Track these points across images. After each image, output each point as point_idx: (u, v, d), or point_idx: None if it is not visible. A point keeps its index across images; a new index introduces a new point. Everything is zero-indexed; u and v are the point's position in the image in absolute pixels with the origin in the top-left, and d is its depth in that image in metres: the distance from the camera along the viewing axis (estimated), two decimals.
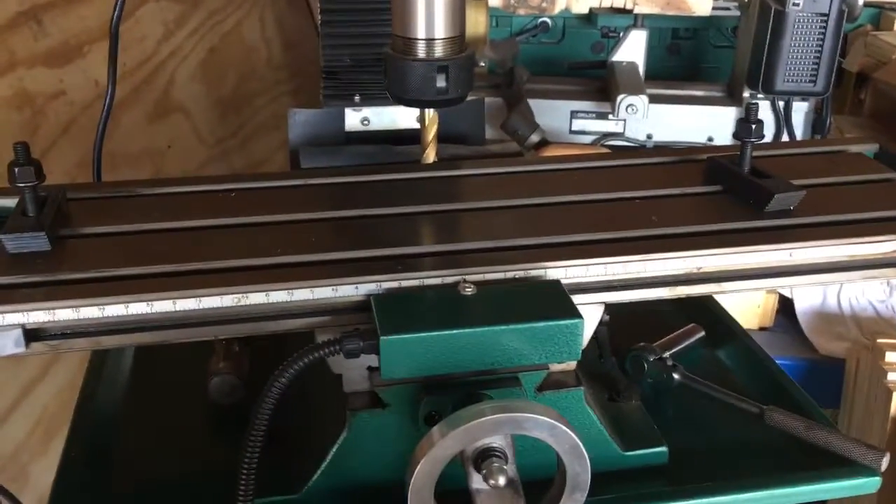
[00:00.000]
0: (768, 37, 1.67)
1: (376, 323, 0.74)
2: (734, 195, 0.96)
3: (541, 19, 2.19)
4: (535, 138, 1.80)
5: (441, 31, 0.88)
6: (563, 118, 1.91)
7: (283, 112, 2.87)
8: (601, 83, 1.94)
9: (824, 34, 1.63)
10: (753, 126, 0.93)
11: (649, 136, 1.88)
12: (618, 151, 1.76)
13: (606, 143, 1.88)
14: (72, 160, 1.77)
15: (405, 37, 0.88)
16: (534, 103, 1.88)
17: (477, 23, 2.22)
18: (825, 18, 1.62)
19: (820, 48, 1.64)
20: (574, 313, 0.75)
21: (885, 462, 0.84)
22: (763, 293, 1.58)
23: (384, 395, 0.81)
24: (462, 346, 0.73)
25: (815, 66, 1.66)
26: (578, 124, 1.90)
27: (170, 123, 2.26)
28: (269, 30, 2.73)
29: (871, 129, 2.07)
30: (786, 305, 1.61)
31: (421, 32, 0.88)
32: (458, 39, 0.89)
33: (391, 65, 0.90)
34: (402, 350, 0.73)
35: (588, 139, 1.89)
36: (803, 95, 1.71)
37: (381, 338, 0.72)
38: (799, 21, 1.62)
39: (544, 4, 1.81)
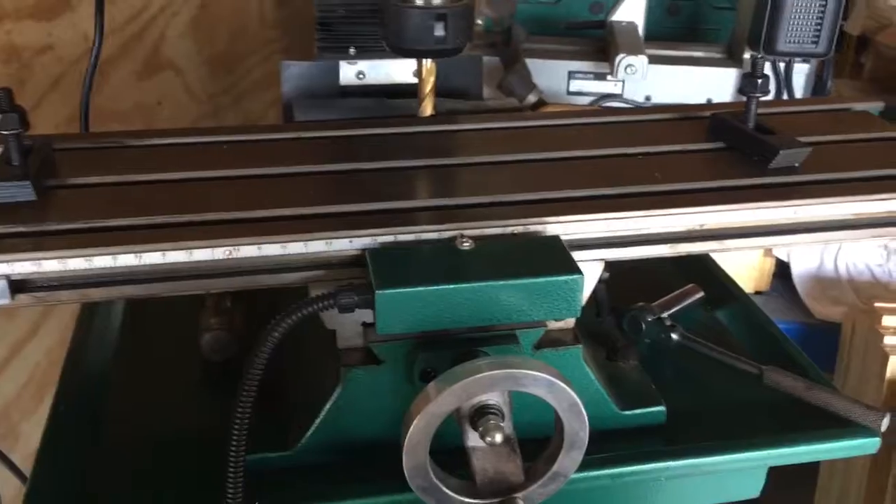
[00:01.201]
0: None
1: (371, 277, 0.72)
2: (738, 152, 0.95)
3: None
4: (531, 98, 1.78)
5: None
6: (560, 78, 1.88)
7: (275, 70, 2.83)
8: (599, 44, 1.91)
9: None
10: (759, 81, 0.91)
11: (648, 98, 1.86)
12: (619, 109, 1.73)
13: (604, 104, 1.85)
14: (60, 116, 1.73)
15: None
16: (531, 63, 1.85)
17: None
18: None
19: (822, 9, 1.61)
20: (574, 269, 0.74)
21: (885, 423, 0.84)
22: (760, 256, 1.57)
23: (379, 351, 0.79)
24: (459, 301, 0.72)
25: (818, 28, 1.62)
26: (576, 85, 1.88)
27: (160, 80, 2.23)
28: None
29: (872, 92, 2.05)
30: (782, 269, 1.60)
31: None
32: None
33: (388, 12, 0.87)
34: (397, 305, 0.71)
35: (586, 100, 1.87)
36: (805, 57, 1.68)
37: (377, 292, 0.70)
38: None
39: None
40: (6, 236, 0.74)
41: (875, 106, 1.11)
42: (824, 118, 1.09)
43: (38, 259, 0.71)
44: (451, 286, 0.71)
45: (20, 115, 0.78)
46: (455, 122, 1.02)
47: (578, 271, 0.74)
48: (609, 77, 1.81)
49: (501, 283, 0.72)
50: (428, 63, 0.93)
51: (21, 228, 0.75)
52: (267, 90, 2.62)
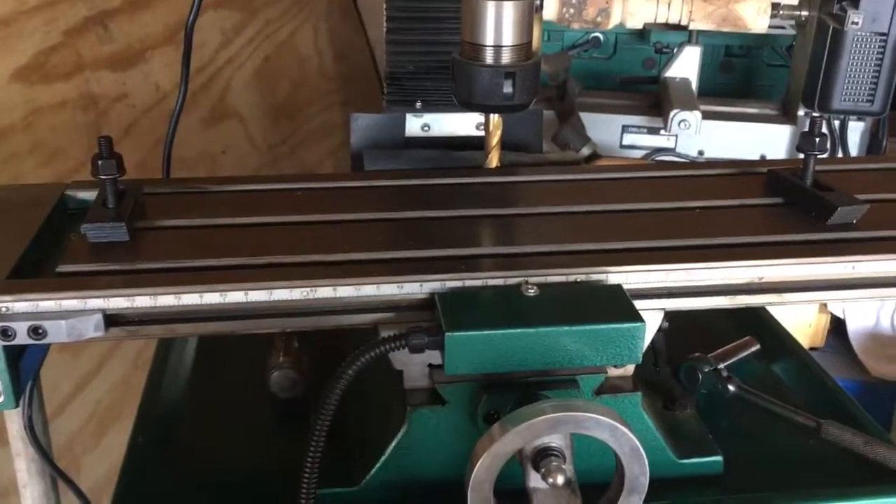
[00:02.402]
0: (826, 55, 1.66)
1: (441, 319, 0.75)
2: (796, 207, 0.97)
3: (593, 34, 2.20)
4: (585, 151, 1.81)
5: (509, 38, 0.89)
6: (614, 132, 1.91)
7: (333, 121, 2.93)
8: (653, 98, 1.95)
9: (883, 53, 1.62)
10: (817, 139, 0.93)
11: (701, 152, 1.88)
12: (677, 162, 1.76)
13: (657, 158, 1.88)
14: (132, 161, 1.81)
15: (474, 43, 0.90)
16: (585, 117, 1.89)
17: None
18: (884, 38, 1.61)
19: (878, 68, 1.63)
20: (636, 317, 0.76)
21: None
22: (815, 312, 1.56)
23: (444, 392, 0.82)
24: (524, 345, 0.74)
25: (873, 86, 1.64)
26: (629, 139, 1.91)
27: (225, 129, 2.31)
28: (322, 40, 2.78)
29: None
30: (837, 326, 1.60)
31: (489, 39, 0.89)
32: (526, 46, 0.91)
33: (459, 70, 0.92)
34: (465, 347, 0.74)
35: (639, 154, 1.90)
36: (860, 115, 1.70)
37: (447, 334, 0.73)
38: (857, 40, 1.61)
39: (599, 19, 1.82)
40: (102, 273, 0.79)
41: None
42: (881, 177, 1.10)
43: (132, 295, 0.76)
44: (518, 330, 0.74)
45: (117, 161, 0.84)
46: (517, 173, 1.06)
47: (641, 319, 0.76)
48: (662, 131, 1.84)
49: (566, 328, 0.75)
50: (495, 118, 0.98)
51: (116, 266, 0.80)
52: (323, 140, 2.70)
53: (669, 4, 1.79)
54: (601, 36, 2.21)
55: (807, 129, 0.96)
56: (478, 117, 1.14)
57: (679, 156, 1.87)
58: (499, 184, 1.02)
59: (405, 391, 0.84)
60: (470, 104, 0.93)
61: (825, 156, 1.01)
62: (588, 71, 2.21)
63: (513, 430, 0.72)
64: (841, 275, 0.87)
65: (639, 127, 1.90)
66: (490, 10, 0.88)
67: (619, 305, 0.78)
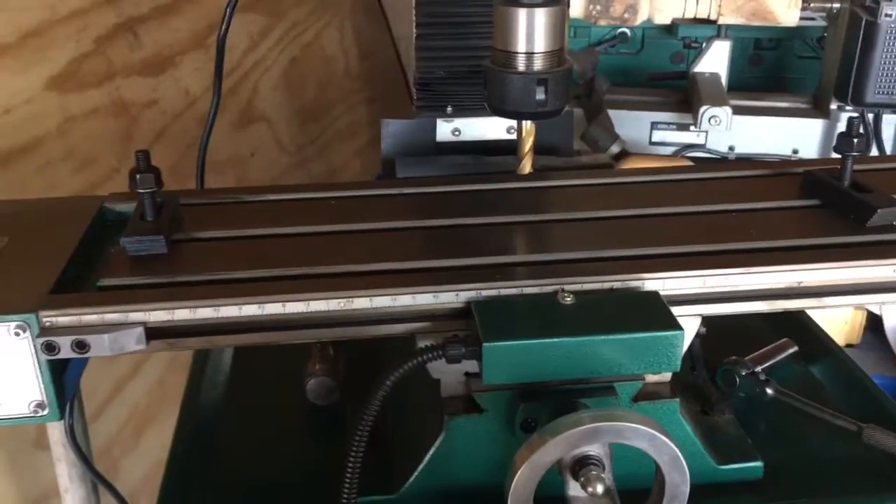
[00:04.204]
0: (858, 48, 1.64)
1: (479, 329, 0.75)
2: (834, 209, 0.95)
3: (620, 30, 2.18)
4: (614, 149, 1.80)
5: (541, 45, 0.89)
6: (643, 129, 1.90)
7: (358, 120, 2.93)
8: (682, 94, 1.93)
9: None
10: (855, 140, 0.92)
11: (731, 148, 1.86)
12: (709, 164, 1.74)
13: (687, 154, 1.86)
14: (163, 167, 1.83)
15: (506, 50, 0.90)
16: (613, 114, 1.87)
17: None
18: None
19: None
20: (674, 325, 0.76)
21: None
22: (851, 310, 1.55)
23: (481, 401, 0.82)
24: (562, 354, 0.74)
25: None
26: (659, 135, 1.90)
27: (253, 132, 2.33)
28: (347, 40, 2.79)
29: None
30: (874, 323, 1.57)
31: (521, 46, 0.89)
32: (558, 53, 0.91)
33: (491, 77, 0.92)
34: (503, 356, 0.74)
35: (668, 150, 1.88)
36: (894, 108, 1.67)
37: (484, 344, 0.74)
38: (891, 32, 1.59)
39: (626, 15, 1.80)
40: (143, 287, 0.80)
41: None
42: None
43: (172, 308, 0.77)
44: (555, 340, 0.74)
45: (155, 174, 0.85)
46: (551, 178, 1.06)
47: (679, 327, 0.76)
48: (692, 128, 1.82)
49: (603, 337, 0.74)
50: (528, 124, 0.97)
51: (155, 280, 0.81)
52: (350, 140, 2.71)
53: None
54: (628, 31, 2.19)
55: (843, 129, 0.94)
56: (509, 121, 1.13)
57: (709, 152, 1.85)
58: (532, 189, 1.02)
59: (442, 399, 0.84)
60: (502, 111, 0.93)
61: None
62: (615, 67, 2.20)
63: (552, 440, 0.72)
64: (882, 278, 0.86)
65: (668, 123, 1.88)
66: (522, 17, 0.88)
67: (657, 313, 0.78)
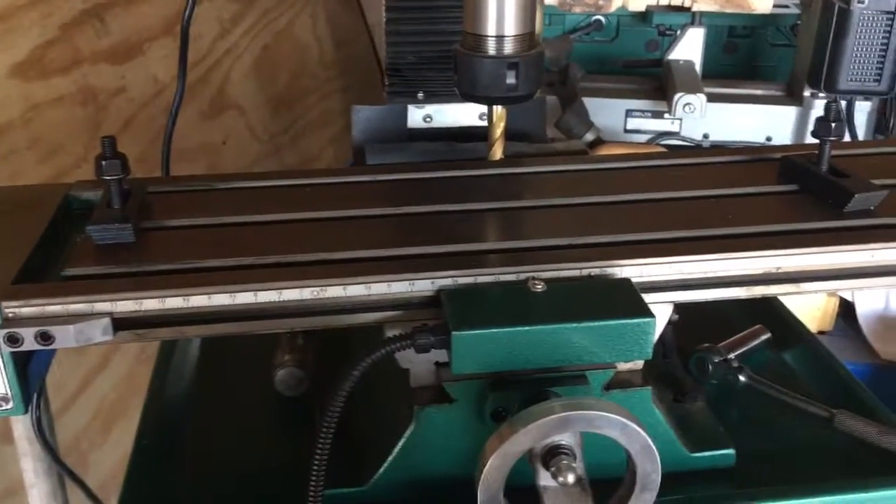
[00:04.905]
0: (831, 35, 1.64)
1: (447, 318, 0.74)
2: (811, 194, 0.95)
3: (595, 17, 2.17)
4: (589, 137, 1.79)
5: (511, 28, 0.88)
6: (617, 117, 1.89)
7: (333, 108, 2.91)
8: (656, 82, 1.92)
9: (889, 32, 1.60)
10: (833, 124, 0.92)
11: (706, 136, 1.86)
12: (686, 150, 1.74)
13: (662, 142, 1.86)
14: (131, 155, 1.81)
15: (475, 34, 0.88)
16: (588, 102, 1.87)
17: None
18: (891, 16, 1.59)
19: (885, 47, 1.61)
20: (645, 312, 0.75)
21: None
22: (824, 296, 1.55)
23: (451, 391, 0.81)
24: (532, 342, 0.73)
25: (880, 66, 1.62)
26: (633, 123, 1.89)
27: (225, 120, 2.30)
28: (321, 28, 2.76)
29: None
30: (846, 309, 1.58)
31: (491, 29, 0.88)
32: (528, 36, 0.89)
33: (461, 61, 0.90)
34: (472, 346, 0.73)
35: (643, 138, 1.88)
36: (866, 95, 1.68)
37: (453, 333, 0.72)
38: (864, 19, 1.59)
39: (601, 2, 1.80)
40: (109, 276, 0.78)
41: None
42: (891, 160, 1.08)
43: (139, 298, 0.75)
44: (524, 328, 0.73)
45: (122, 161, 0.83)
46: (524, 164, 1.04)
47: (650, 314, 0.75)
48: (666, 115, 1.82)
49: (574, 325, 0.73)
50: (499, 109, 0.96)
51: (122, 269, 0.79)
52: (324, 129, 2.68)
53: None
54: (603, 19, 2.18)
55: (816, 115, 0.94)
56: (481, 107, 1.12)
57: (684, 140, 1.85)
58: (504, 176, 1.00)
59: (412, 390, 0.83)
60: (473, 96, 0.91)
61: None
62: (590, 54, 2.19)
63: (522, 430, 0.71)
64: (859, 263, 0.86)
65: (643, 111, 1.88)
66: (494, 0, 0.86)
67: (628, 300, 0.77)
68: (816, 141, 0.95)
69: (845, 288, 0.88)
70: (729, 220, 0.89)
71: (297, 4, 2.64)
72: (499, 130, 0.97)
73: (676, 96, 1.72)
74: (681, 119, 1.83)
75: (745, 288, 0.86)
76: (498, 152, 0.99)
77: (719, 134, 1.85)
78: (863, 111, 1.76)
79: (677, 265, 0.83)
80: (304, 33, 2.69)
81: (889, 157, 1.09)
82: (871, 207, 0.92)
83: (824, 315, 1.57)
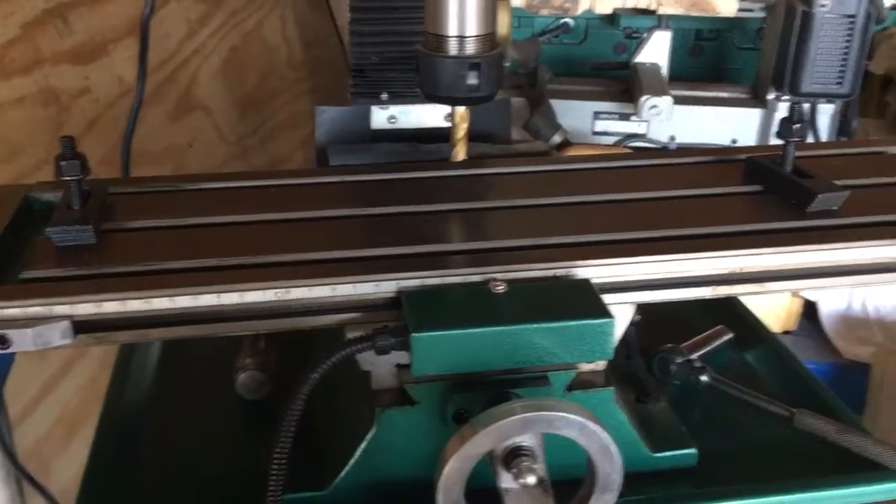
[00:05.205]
0: (795, 38, 1.66)
1: (407, 320, 0.74)
2: (775, 195, 0.96)
3: (563, 20, 2.18)
4: (557, 139, 1.80)
5: (473, 28, 0.88)
6: (585, 119, 1.90)
7: (302, 110, 2.89)
8: (624, 84, 1.93)
9: (851, 36, 1.62)
10: (796, 126, 0.93)
11: (672, 138, 1.87)
12: (652, 151, 1.75)
13: (629, 143, 1.87)
14: (95, 157, 1.79)
15: (437, 34, 0.88)
16: (556, 104, 1.87)
17: (499, 23, 2.21)
18: (852, 20, 1.61)
19: (847, 50, 1.63)
20: (605, 313, 0.75)
21: None
22: (788, 297, 1.57)
23: (413, 392, 0.81)
24: (493, 344, 0.73)
25: (842, 68, 1.64)
26: (601, 125, 1.90)
27: (192, 121, 2.28)
28: (290, 29, 2.75)
29: None
30: (810, 309, 1.60)
31: (453, 30, 0.88)
32: (490, 37, 0.89)
33: (423, 62, 0.90)
34: (432, 347, 0.72)
35: (610, 140, 1.88)
36: (829, 97, 1.70)
37: (413, 335, 0.72)
38: (826, 22, 1.61)
39: (567, 5, 1.80)
40: (69, 279, 0.77)
41: None
42: (859, 161, 1.09)
43: (100, 301, 0.73)
44: (485, 329, 0.73)
45: (82, 161, 0.81)
46: (487, 166, 1.04)
47: (609, 315, 0.75)
48: (633, 117, 1.83)
49: (534, 326, 0.73)
50: (461, 110, 0.96)
51: (82, 271, 0.78)
52: (293, 131, 2.67)
53: None
54: (571, 22, 2.19)
55: (781, 118, 0.95)
56: (446, 108, 1.12)
57: (651, 142, 1.86)
58: (467, 177, 1.00)
59: (373, 392, 0.82)
60: (435, 96, 0.91)
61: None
62: (559, 57, 2.20)
63: (482, 431, 0.71)
64: (822, 263, 0.86)
65: (610, 113, 1.89)
66: (454, 0, 0.86)
67: (588, 301, 0.77)
68: (781, 142, 0.96)
69: (808, 287, 0.89)
70: (692, 221, 0.89)
71: (265, 5, 2.63)
72: (461, 131, 0.97)
73: (642, 99, 1.74)
74: (648, 121, 1.84)
75: (709, 288, 0.86)
76: (461, 153, 0.99)
77: (686, 136, 1.87)
78: (826, 113, 1.78)
79: (639, 265, 0.83)
80: (272, 34, 2.67)
81: (852, 159, 1.10)
82: (834, 208, 0.93)
83: (789, 315, 1.59)
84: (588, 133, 1.90)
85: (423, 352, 0.72)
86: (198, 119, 2.28)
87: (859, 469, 0.87)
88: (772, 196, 0.97)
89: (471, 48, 0.88)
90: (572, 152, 1.77)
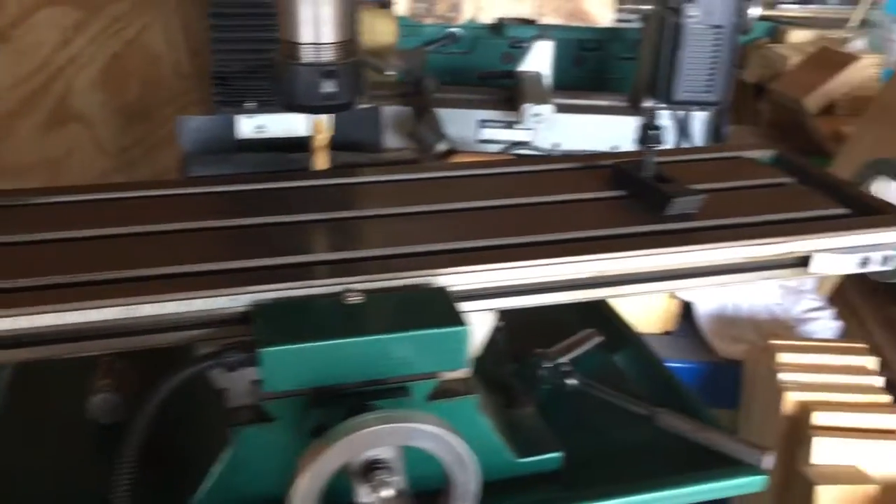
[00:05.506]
0: (667, 48, 1.71)
1: (255, 334, 0.71)
2: (637, 200, 0.98)
3: (450, 30, 2.19)
4: (442, 147, 1.80)
5: (329, 35, 0.86)
6: (471, 127, 1.91)
7: None
8: (509, 93, 1.95)
9: (720, 45, 1.68)
10: (653, 132, 0.96)
11: (556, 145, 1.90)
12: (524, 158, 1.77)
13: (514, 151, 1.89)
14: None
15: (292, 41, 0.86)
16: (443, 112, 1.88)
17: (384, 32, 2.21)
18: (720, 30, 1.68)
19: (716, 59, 1.69)
20: (458, 321, 0.75)
21: (768, 460, 0.86)
22: (666, 298, 1.61)
23: (270, 409, 0.78)
24: (345, 356, 0.72)
25: (712, 77, 1.70)
26: (486, 133, 1.91)
27: (68, 133, 2.19)
28: (176, 37, 2.67)
29: (770, 137, 2.15)
30: (689, 309, 1.65)
31: (308, 37, 0.86)
32: (348, 44, 0.88)
33: (278, 70, 0.88)
34: (282, 362, 0.71)
35: (496, 148, 1.90)
36: (701, 105, 1.76)
37: (260, 350, 0.70)
38: (695, 33, 1.67)
39: (451, 14, 1.81)
40: None
41: (764, 154, 1.16)
42: (719, 166, 1.13)
43: None
44: (334, 342, 0.71)
45: None
46: (355, 175, 1.03)
47: (463, 323, 0.75)
48: (517, 126, 1.85)
49: (385, 337, 0.72)
50: (321, 118, 0.94)
51: None
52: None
53: None
54: (459, 31, 2.21)
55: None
56: (317, 116, 1.10)
57: (535, 149, 1.89)
58: (331, 187, 0.99)
59: (229, 409, 0.80)
60: (292, 106, 0.89)
61: (669, 146, 1.04)
62: (447, 66, 2.21)
63: (331, 446, 0.69)
64: (679, 265, 0.89)
65: (495, 121, 1.90)
66: (307, 4, 0.84)
67: (442, 309, 0.76)
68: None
69: (665, 290, 0.91)
70: (556, 227, 0.90)
71: (148, 12, 2.54)
72: (321, 140, 0.95)
73: (525, 107, 1.76)
74: (531, 129, 1.86)
75: (570, 293, 0.88)
76: (322, 162, 0.97)
77: (569, 143, 1.90)
78: (700, 120, 1.84)
79: (499, 272, 0.83)
80: (156, 42, 2.59)
81: (713, 163, 1.14)
82: (692, 211, 0.95)
83: (668, 316, 1.63)
84: (474, 141, 1.91)
85: (272, 367, 0.71)
86: (74, 131, 2.20)
87: (716, 465, 0.89)
88: (634, 201, 0.99)
89: (327, 55, 0.87)
90: (456, 160, 1.78)
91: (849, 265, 0.93)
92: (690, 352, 1.60)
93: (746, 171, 1.11)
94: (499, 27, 2.15)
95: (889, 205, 0.97)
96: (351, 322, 0.73)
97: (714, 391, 1.58)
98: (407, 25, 2.19)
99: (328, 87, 0.86)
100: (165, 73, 2.58)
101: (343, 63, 0.87)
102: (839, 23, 2.28)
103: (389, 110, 1.86)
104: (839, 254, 0.92)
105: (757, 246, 0.90)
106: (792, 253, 0.92)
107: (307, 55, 0.86)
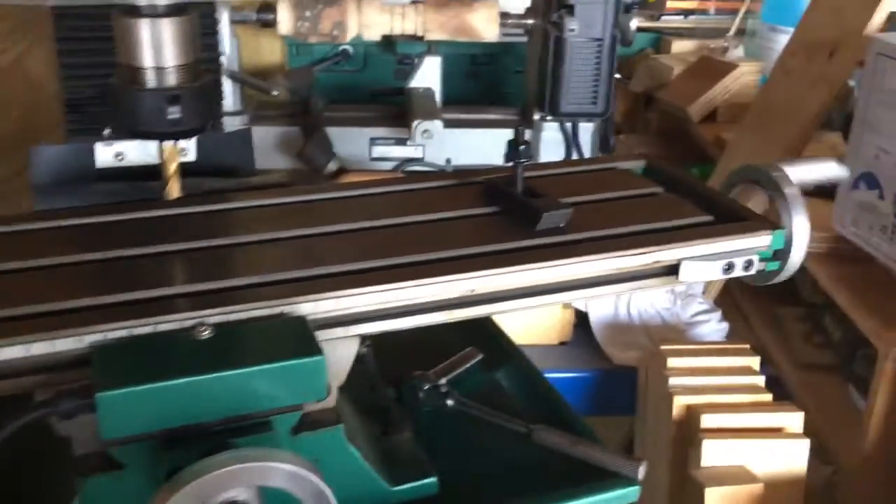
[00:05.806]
0: (550, 62, 1.73)
1: (91, 378, 0.67)
2: (508, 216, 0.97)
3: (341, 48, 2.17)
4: (332, 167, 1.78)
5: (171, 58, 0.83)
6: (363, 145, 1.89)
7: None
8: (400, 110, 1.95)
9: (600, 58, 1.71)
10: (522, 147, 0.96)
11: (449, 161, 1.90)
12: (396, 177, 1.76)
13: (407, 168, 1.88)
14: None
15: (131, 65, 0.83)
16: (334, 131, 1.86)
17: (272, 51, 2.18)
18: (600, 43, 1.70)
19: (597, 71, 1.72)
20: (313, 350, 0.72)
21: (641, 471, 0.86)
22: (559, 309, 1.61)
23: (119, 455, 0.74)
24: (189, 395, 0.68)
25: (595, 89, 1.73)
26: (378, 151, 1.90)
27: None
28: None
29: (658, 145, 2.20)
30: (584, 319, 1.66)
31: (148, 61, 0.82)
32: (192, 66, 0.85)
33: (119, 95, 0.84)
34: (120, 407, 0.67)
35: (388, 165, 1.89)
36: (586, 117, 1.78)
37: (97, 395, 0.66)
38: (576, 46, 1.69)
39: (336, 32, 1.79)
40: None
41: (637, 164, 1.17)
42: (594, 178, 1.14)
43: None
44: (178, 381, 0.68)
45: None
46: (221, 201, 0.99)
47: (319, 352, 0.72)
48: (409, 142, 1.84)
49: (232, 372, 0.69)
50: (169, 144, 0.91)
51: None
52: None
53: (404, 15, 1.79)
54: (351, 49, 2.19)
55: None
56: (181, 142, 1.06)
57: (428, 165, 1.88)
58: (192, 215, 0.95)
59: (75, 458, 0.75)
60: (136, 132, 0.85)
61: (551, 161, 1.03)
62: (340, 84, 2.19)
63: (183, 489, 0.66)
64: (550, 279, 0.88)
65: (386, 139, 1.89)
66: (145, 26, 0.81)
67: (298, 339, 0.74)
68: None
69: (541, 304, 0.90)
70: (425, 247, 0.89)
71: (28, 36, 2.44)
72: (172, 167, 0.91)
73: (415, 123, 1.75)
74: (423, 145, 1.86)
75: (441, 313, 0.86)
76: (174, 191, 0.93)
77: (462, 158, 1.90)
78: (587, 132, 1.87)
79: (361, 297, 0.81)
80: (37, 68, 2.48)
81: (585, 176, 1.15)
82: (560, 224, 0.95)
83: (562, 326, 1.64)
84: (366, 159, 1.89)
85: (109, 412, 0.67)
86: None
87: (593, 479, 0.89)
88: (506, 217, 0.99)
89: (171, 79, 0.83)
90: (347, 179, 1.76)
91: (714, 272, 0.94)
92: (586, 361, 1.61)
93: (619, 182, 1.12)
94: (389, 44, 2.14)
95: (750, 211, 0.99)
96: (196, 359, 0.70)
97: (612, 399, 1.59)
98: (300, 45, 2.16)
99: (173, 112, 0.83)
100: (47, 100, 2.48)
101: (187, 86, 0.84)
102: (720, 32, 2.36)
103: (277, 131, 1.83)
104: (704, 261, 0.93)
105: (624, 257, 0.91)
106: (659, 262, 0.92)
107: (150, 80, 0.83)
